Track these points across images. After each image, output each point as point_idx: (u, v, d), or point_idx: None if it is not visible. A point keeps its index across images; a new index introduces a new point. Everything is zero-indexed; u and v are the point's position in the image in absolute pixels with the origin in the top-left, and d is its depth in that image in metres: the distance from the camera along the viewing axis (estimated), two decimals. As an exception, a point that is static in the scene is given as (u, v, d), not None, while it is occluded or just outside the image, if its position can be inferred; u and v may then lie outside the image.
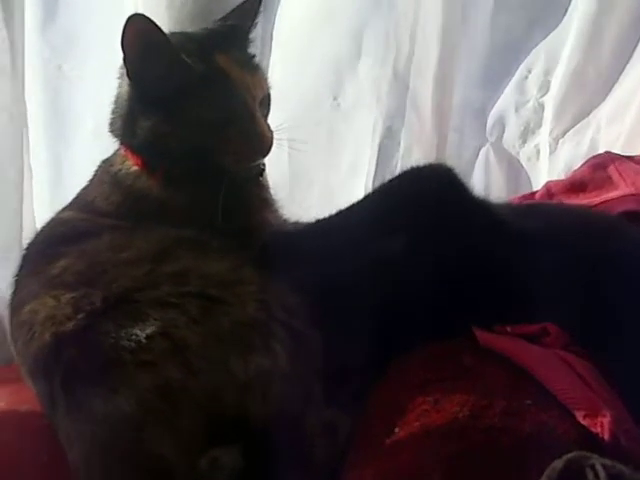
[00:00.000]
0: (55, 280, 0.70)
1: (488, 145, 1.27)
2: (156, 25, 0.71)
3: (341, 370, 0.71)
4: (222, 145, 0.76)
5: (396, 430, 0.62)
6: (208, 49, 0.76)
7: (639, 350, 0.63)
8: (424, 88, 1.13)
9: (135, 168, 0.79)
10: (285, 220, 0.93)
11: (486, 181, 1.27)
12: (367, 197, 0.82)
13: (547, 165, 1.25)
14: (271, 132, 0.79)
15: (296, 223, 0.95)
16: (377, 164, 1.22)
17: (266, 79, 0.82)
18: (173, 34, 0.78)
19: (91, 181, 0.84)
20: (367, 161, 1.22)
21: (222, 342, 0.64)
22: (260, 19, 0.98)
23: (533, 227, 0.73)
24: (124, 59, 0.72)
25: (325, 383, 0.69)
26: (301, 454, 0.63)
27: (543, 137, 1.25)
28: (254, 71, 0.80)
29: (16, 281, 0.76)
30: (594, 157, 1.04)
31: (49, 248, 0.76)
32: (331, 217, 0.82)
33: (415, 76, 1.13)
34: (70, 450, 0.64)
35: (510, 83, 1.22)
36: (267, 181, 0.89)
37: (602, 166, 1.01)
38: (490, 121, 1.25)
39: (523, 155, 1.26)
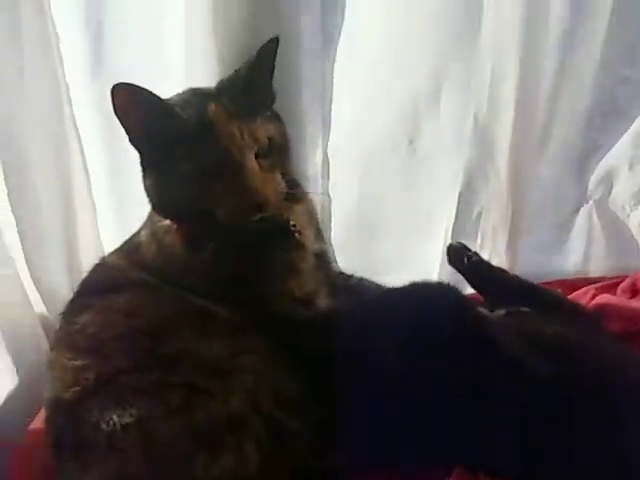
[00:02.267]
0: (72, 337, 0.74)
1: (591, 203, 1.07)
2: (139, 87, 0.70)
3: (322, 474, 0.68)
4: (211, 199, 0.73)
5: None
6: (205, 99, 0.74)
7: None
8: (504, 139, 0.98)
9: (167, 222, 0.79)
10: (334, 277, 0.88)
11: (586, 246, 1.08)
12: (381, 297, 0.80)
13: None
14: (273, 184, 0.74)
15: (361, 280, 0.92)
16: (456, 217, 1.09)
17: (273, 127, 0.76)
18: (190, 90, 0.77)
19: (144, 225, 0.84)
20: (445, 212, 1.09)
21: (192, 438, 0.64)
22: (320, 54, 0.91)
23: (537, 372, 0.65)
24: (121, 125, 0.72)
25: None
26: None
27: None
28: (249, 120, 0.73)
29: (60, 317, 0.79)
30: None
31: (83, 296, 0.80)
32: (345, 311, 0.79)
33: (496, 126, 0.98)
34: None
35: (624, 135, 1.02)
36: (308, 240, 0.83)
37: None
38: (595, 176, 1.05)
39: (634, 219, 1.05)
